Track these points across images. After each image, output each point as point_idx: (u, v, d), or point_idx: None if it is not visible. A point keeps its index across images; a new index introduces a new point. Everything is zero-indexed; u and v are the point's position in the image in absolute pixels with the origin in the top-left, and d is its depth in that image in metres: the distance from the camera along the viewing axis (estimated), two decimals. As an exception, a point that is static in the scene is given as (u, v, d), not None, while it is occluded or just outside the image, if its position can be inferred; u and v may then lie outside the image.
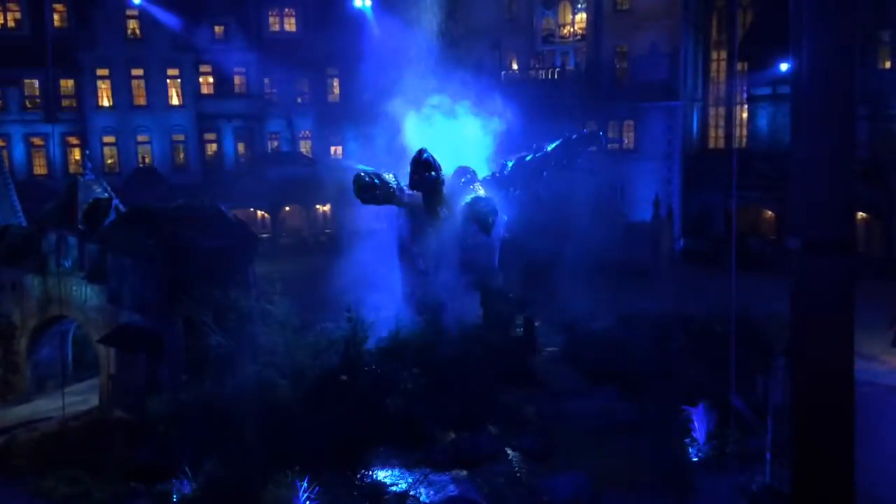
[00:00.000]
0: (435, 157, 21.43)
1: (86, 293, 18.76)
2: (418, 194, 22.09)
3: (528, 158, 23.64)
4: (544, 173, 23.85)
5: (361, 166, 21.67)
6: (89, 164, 20.79)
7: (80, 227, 19.09)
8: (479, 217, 21.66)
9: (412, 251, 23.20)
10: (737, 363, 16.78)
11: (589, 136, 25.28)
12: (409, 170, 21.52)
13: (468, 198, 22.39)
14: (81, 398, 19.07)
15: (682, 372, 17.72)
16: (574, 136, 25.21)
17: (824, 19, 6.80)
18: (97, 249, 18.45)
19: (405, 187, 21.87)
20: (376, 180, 20.68)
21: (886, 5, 32.64)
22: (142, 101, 39.77)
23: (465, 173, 22.96)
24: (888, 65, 33.89)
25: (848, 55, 6.98)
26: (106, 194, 19.91)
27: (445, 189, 22.28)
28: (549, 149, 24.15)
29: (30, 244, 19.84)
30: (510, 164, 23.81)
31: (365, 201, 21.14)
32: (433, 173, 21.18)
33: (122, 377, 17.80)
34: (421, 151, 21.32)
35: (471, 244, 22.88)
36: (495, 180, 23.48)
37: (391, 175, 21.60)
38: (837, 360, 7.06)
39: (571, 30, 39.39)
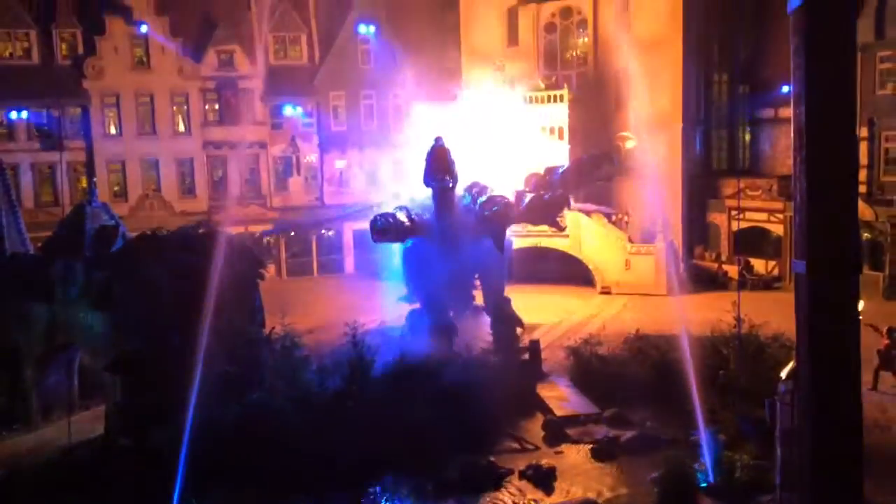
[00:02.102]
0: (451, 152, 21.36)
1: (92, 320, 18.78)
2: (432, 220, 22.14)
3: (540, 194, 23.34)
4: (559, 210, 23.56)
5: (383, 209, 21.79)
6: (96, 192, 20.97)
7: (86, 254, 19.18)
8: (494, 213, 21.54)
9: (421, 274, 23.28)
10: (743, 385, 16.72)
11: (600, 158, 25.25)
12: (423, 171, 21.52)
13: (482, 199, 22.36)
14: (88, 426, 19.01)
15: (688, 394, 17.63)
16: (585, 156, 25.27)
17: (824, 44, 6.90)
18: (104, 276, 18.51)
19: (416, 217, 22.03)
20: (390, 220, 21.01)
21: (885, 24, 32.84)
22: (148, 128, 40.12)
23: (477, 188, 23.02)
24: (889, 86, 34.01)
25: (848, 78, 7.05)
26: (113, 221, 20.04)
27: (456, 204, 22.37)
28: (560, 171, 24.20)
29: (37, 272, 19.90)
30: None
31: (379, 241, 21.53)
32: (448, 167, 21.07)
33: (127, 405, 17.76)
34: (437, 139, 21.35)
35: (481, 266, 22.95)
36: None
37: (403, 213, 21.86)
38: (845, 380, 7.06)
39: (574, 54, 39.71)
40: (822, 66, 7.03)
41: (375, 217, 21.70)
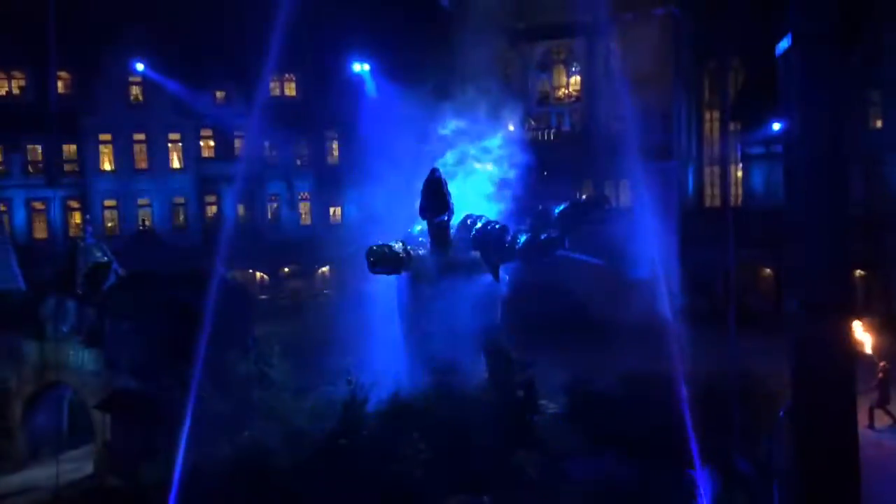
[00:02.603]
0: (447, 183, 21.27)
1: (83, 358, 18.64)
2: (427, 254, 22.10)
3: (540, 236, 23.27)
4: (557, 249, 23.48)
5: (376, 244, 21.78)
6: (90, 228, 20.96)
7: (79, 291, 19.09)
8: (491, 239, 21.44)
9: (416, 311, 23.16)
10: (740, 424, 16.60)
11: (597, 200, 25.13)
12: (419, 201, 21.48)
13: (478, 224, 22.24)
14: (76, 465, 18.75)
15: (684, 433, 17.48)
16: (582, 198, 25.22)
17: (813, 82, 6.98)
18: (95, 314, 18.43)
19: (411, 250, 21.99)
20: (386, 251, 20.95)
21: (876, 66, 33.39)
22: (143, 164, 40.28)
23: (471, 219, 22.98)
24: (880, 124, 34.47)
25: (838, 117, 7.13)
26: (105, 258, 19.98)
27: (452, 235, 22.34)
28: (556, 212, 24.15)
29: (28, 309, 19.80)
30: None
31: (377, 273, 21.40)
32: (444, 198, 20.98)
33: (117, 444, 17.56)
34: (433, 170, 21.28)
35: (477, 302, 22.86)
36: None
37: (400, 244, 21.82)
38: (840, 420, 7.01)
39: (566, 91, 40.16)
40: (813, 108, 7.10)
41: (371, 247, 21.66)
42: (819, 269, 6.86)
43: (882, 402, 19.36)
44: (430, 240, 22.06)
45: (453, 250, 22.31)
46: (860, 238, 31.09)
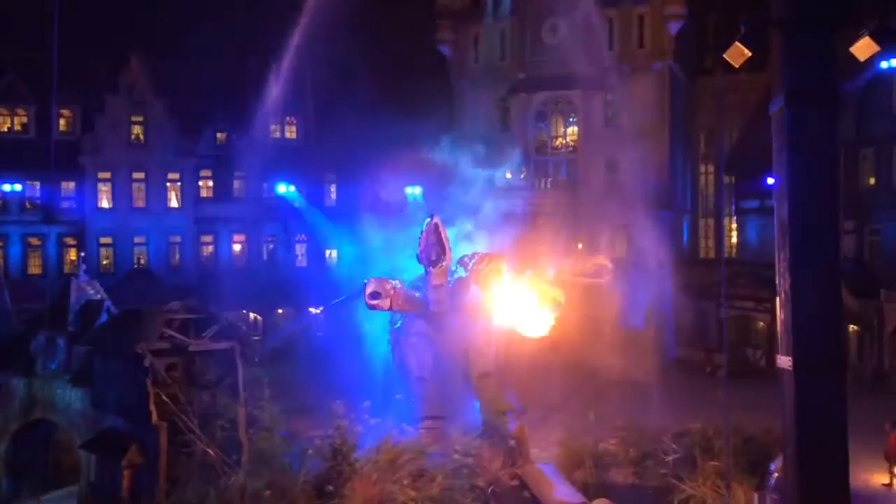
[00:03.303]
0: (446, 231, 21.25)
1: (70, 396, 18.43)
2: (423, 297, 22.06)
3: None
4: None
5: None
6: (84, 266, 20.92)
7: (70, 328, 18.98)
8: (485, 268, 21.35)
9: (409, 355, 23.04)
10: (732, 478, 16.42)
11: (597, 271, 24.87)
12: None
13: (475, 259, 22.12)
14: (59, 506, 18.43)
15: (677, 486, 17.33)
16: (580, 263, 25.02)
17: (804, 138, 7.09)
18: (85, 351, 18.28)
19: (409, 293, 21.95)
20: (385, 284, 20.89)
21: (867, 122, 33.93)
22: (141, 203, 40.38)
23: (468, 257, 22.96)
24: (872, 181, 34.88)
25: (828, 173, 7.23)
26: (98, 296, 19.91)
27: (448, 281, 22.29)
28: (553, 272, 24.18)
29: (18, 345, 19.65)
30: None
31: (372, 307, 21.30)
32: (442, 245, 20.93)
33: (101, 485, 17.26)
34: (431, 216, 21.24)
35: (471, 347, 22.75)
36: None
37: (398, 282, 21.79)
38: (832, 476, 6.96)
39: (563, 141, 40.61)
40: (804, 165, 7.21)
41: (369, 280, 21.52)
42: (811, 325, 6.88)
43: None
44: (426, 285, 22.06)
45: (448, 295, 22.29)
46: (853, 295, 31.22)
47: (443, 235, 21.09)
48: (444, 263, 21.40)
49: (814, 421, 6.93)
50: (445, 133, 41.52)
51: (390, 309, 21.95)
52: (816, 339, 6.94)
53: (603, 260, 22.35)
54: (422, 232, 21.21)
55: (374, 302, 21.12)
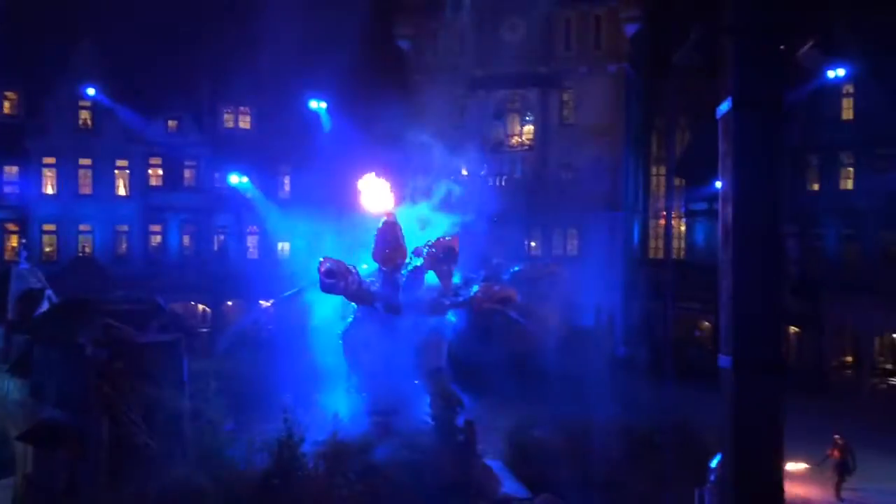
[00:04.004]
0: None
1: (8, 387, 17.92)
2: (379, 290, 21.95)
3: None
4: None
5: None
6: (24, 253, 20.35)
7: (9, 317, 18.44)
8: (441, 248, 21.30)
9: (360, 349, 22.92)
10: (674, 475, 16.74)
11: (551, 273, 25.04)
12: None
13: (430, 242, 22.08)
14: (-7, 499, 17.91)
15: (621, 482, 17.60)
16: (537, 265, 25.05)
17: (749, 143, 7.25)
18: (24, 341, 17.78)
19: (364, 283, 21.79)
20: (342, 266, 20.63)
21: (813, 129, 34.88)
22: (87, 190, 39.40)
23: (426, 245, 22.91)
24: (816, 186, 35.88)
25: (773, 178, 7.40)
26: (39, 284, 19.38)
27: (403, 277, 22.24)
28: (511, 271, 24.28)
29: (-47, 333, 19.01)
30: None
31: (327, 289, 20.97)
32: (398, 244, 20.89)
33: (38, 478, 16.81)
34: (388, 215, 21.19)
35: (422, 345, 22.74)
36: None
37: (354, 267, 21.57)
38: (768, 475, 7.15)
39: (519, 140, 40.87)
40: (748, 169, 7.37)
41: (324, 259, 21.21)
42: (751, 326, 7.05)
43: (842, 473, 19.21)
44: (380, 281, 21.96)
45: (403, 291, 22.25)
46: (795, 296, 32.10)
47: (399, 234, 21.04)
48: (399, 261, 21.37)
49: (752, 420, 7.10)
50: (403, 128, 41.45)
51: (344, 293, 21.68)
52: (756, 339, 7.11)
53: (511, 293, 22.49)
54: (377, 232, 21.14)
55: (329, 281, 20.75)
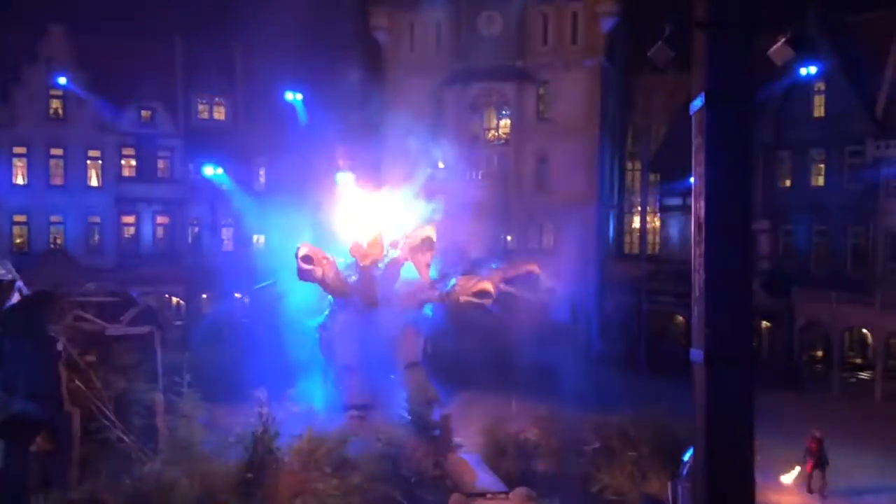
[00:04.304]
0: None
1: (-23, 380, 17.63)
2: (355, 284, 21.93)
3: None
4: None
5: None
6: (-6, 244, 20.00)
7: (-23, 309, 18.13)
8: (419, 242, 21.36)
9: (337, 343, 22.88)
10: (648, 468, 16.93)
11: (531, 277, 25.08)
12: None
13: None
14: (-39, 494, 17.61)
15: (595, 475, 17.76)
16: (514, 269, 25.03)
17: (721, 139, 7.33)
18: (-6, 334, 17.50)
19: (342, 275, 21.76)
20: (319, 254, 20.58)
21: (785, 126, 35.30)
22: (59, 180, 38.80)
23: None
24: (788, 182, 36.34)
25: (744, 174, 7.50)
26: (9, 275, 19.07)
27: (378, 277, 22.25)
28: (491, 267, 24.32)
29: (-80, 326, 18.65)
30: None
31: (304, 276, 20.89)
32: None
33: (8, 472, 16.57)
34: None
35: (399, 338, 22.76)
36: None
37: (333, 259, 21.51)
38: (740, 467, 7.26)
39: (496, 134, 40.90)
40: (720, 164, 7.44)
41: (303, 244, 21.11)
42: (721, 321, 7.13)
43: (819, 466, 19.11)
44: (357, 273, 21.95)
45: (380, 285, 22.26)
46: (766, 291, 32.51)
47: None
48: (378, 258, 21.39)
49: (723, 413, 7.20)
50: (378, 120, 41.34)
51: (321, 281, 21.61)
52: (727, 333, 7.20)
53: (487, 285, 22.52)
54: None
55: (306, 266, 20.72)
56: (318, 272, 21.29)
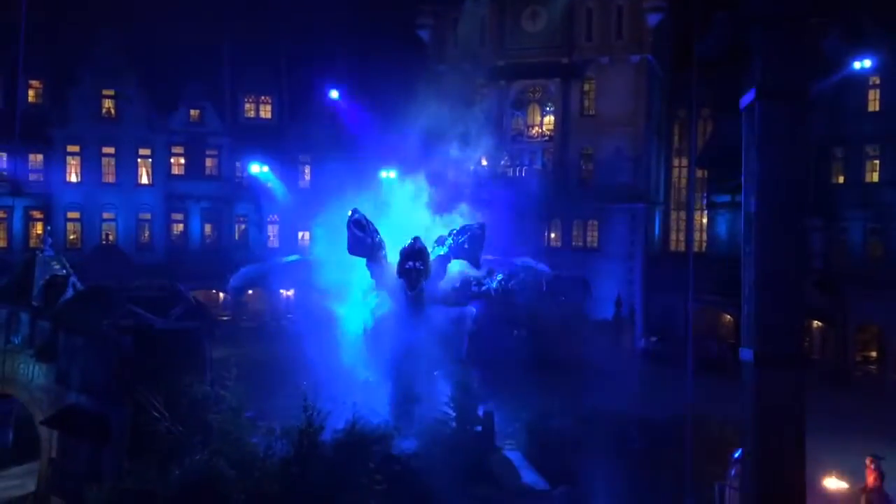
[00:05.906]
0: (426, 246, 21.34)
1: (33, 372, 18.18)
2: (398, 285, 22.01)
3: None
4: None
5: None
6: (49, 240, 20.54)
7: (34, 303, 18.68)
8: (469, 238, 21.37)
9: (381, 339, 22.99)
10: (694, 468, 16.68)
11: (584, 283, 24.93)
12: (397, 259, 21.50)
13: (454, 229, 22.12)
14: (19, 482, 18.21)
15: (640, 475, 17.55)
16: (562, 277, 24.93)
17: (774, 135, 7.16)
18: (49, 327, 18.01)
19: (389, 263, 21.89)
20: (371, 226, 20.68)
21: (839, 121, 34.38)
22: (110, 178, 39.81)
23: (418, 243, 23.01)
24: (841, 179, 35.40)
25: (797, 170, 7.30)
26: (64, 271, 19.60)
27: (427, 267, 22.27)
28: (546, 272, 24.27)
29: (-20, 319, 19.30)
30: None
31: (355, 246, 21.02)
32: (420, 264, 21.05)
33: (63, 462, 17.06)
34: (416, 240, 21.32)
35: (444, 335, 22.79)
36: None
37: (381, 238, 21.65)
38: (790, 469, 7.10)
39: (540, 130, 40.67)
40: (773, 160, 7.28)
41: (355, 209, 21.10)
42: (773, 320, 6.98)
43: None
44: (371, 273, 22.04)
45: (426, 282, 22.30)
46: (819, 290, 31.74)
47: (425, 254, 21.08)
48: (381, 254, 21.41)
49: (773, 414, 7.04)
50: (422, 118, 41.41)
51: (368, 255, 21.65)
52: (778, 332, 7.04)
53: None
54: (405, 252, 21.17)
55: (359, 233, 20.78)
56: (368, 241, 21.35)
